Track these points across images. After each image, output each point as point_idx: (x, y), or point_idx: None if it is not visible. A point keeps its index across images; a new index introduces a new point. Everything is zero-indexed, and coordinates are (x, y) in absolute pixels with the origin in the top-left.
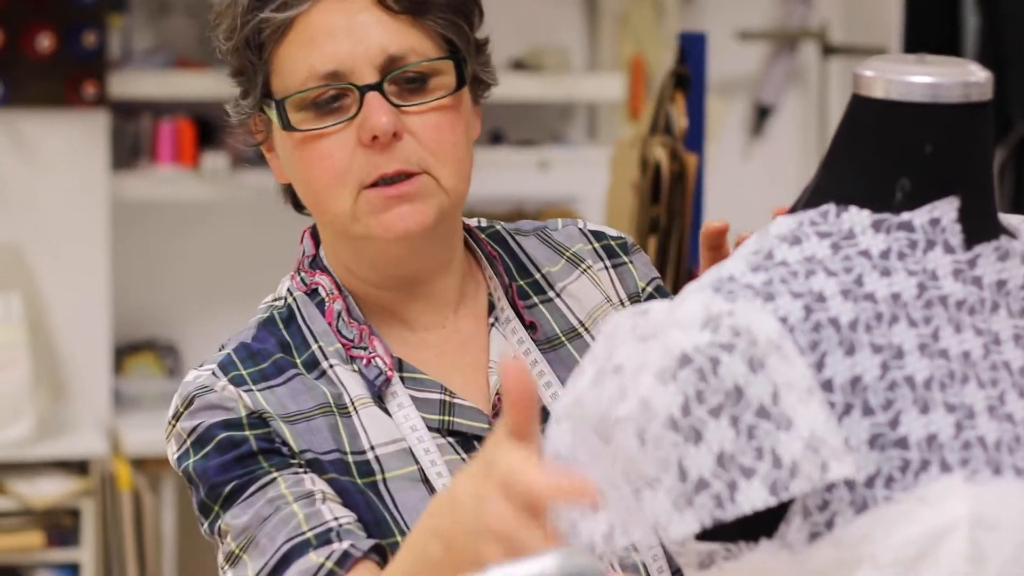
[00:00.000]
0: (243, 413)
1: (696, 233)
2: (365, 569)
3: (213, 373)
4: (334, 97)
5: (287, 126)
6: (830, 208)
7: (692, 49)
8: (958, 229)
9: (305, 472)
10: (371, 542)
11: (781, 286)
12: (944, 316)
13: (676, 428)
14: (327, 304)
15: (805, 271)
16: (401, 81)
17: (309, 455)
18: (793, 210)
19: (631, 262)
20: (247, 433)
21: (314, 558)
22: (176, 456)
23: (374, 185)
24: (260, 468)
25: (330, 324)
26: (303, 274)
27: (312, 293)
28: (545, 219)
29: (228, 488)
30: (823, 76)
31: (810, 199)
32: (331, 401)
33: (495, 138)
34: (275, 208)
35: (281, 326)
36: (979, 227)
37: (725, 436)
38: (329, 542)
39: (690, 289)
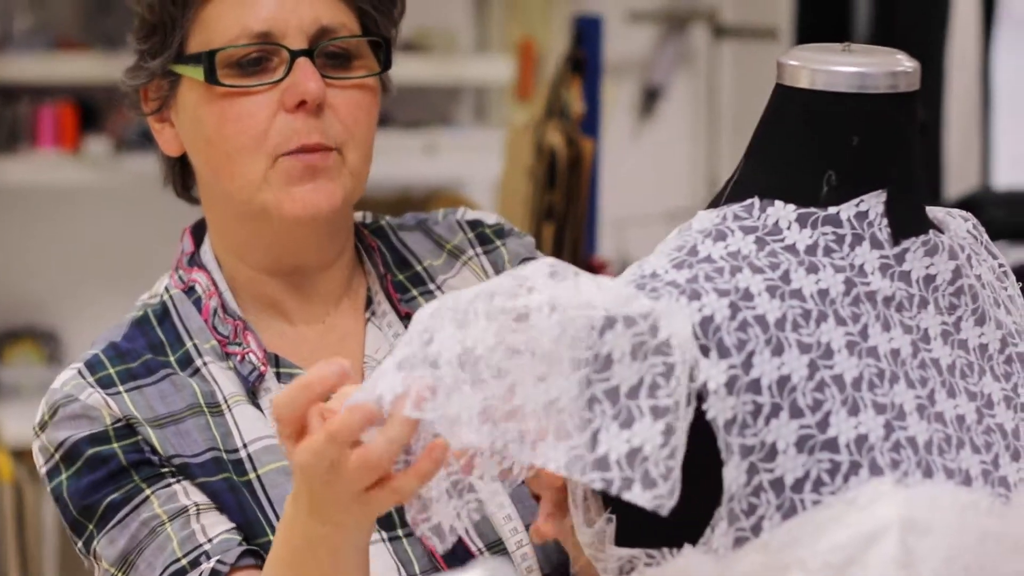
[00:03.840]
0: (108, 423)
1: (593, 219)
2: None
3: (80, 373)
4: (259, 59)
5: (212, 79)
6: (754, 202)
7: (588, 32)
8: (885, 223)
9: (178, 481)
10: (240, 550)
11: (706, 283)
12: (872, 313)
13: (540, 356)
14: (204, 301)
15: (730, 267)
16: (327, 55)
17: (178, 460)
18: (715, 204)
19: (503, 245)
20: (115, 446)
21: None
22: (45, 471)
23: (291, 153)
24: (132, 484)
25: (206, 321)
26: (181, 272)
27: (189, 291)
28: (434, 203)
29: (102, 507)
30: (713, 58)
31: (733, 192)
32: (201, 400)
33: (382, 120)
34: (158, 194)
35: (155, 324)
36: (907, 221)
37: (568, 389)
38: (198, 565)
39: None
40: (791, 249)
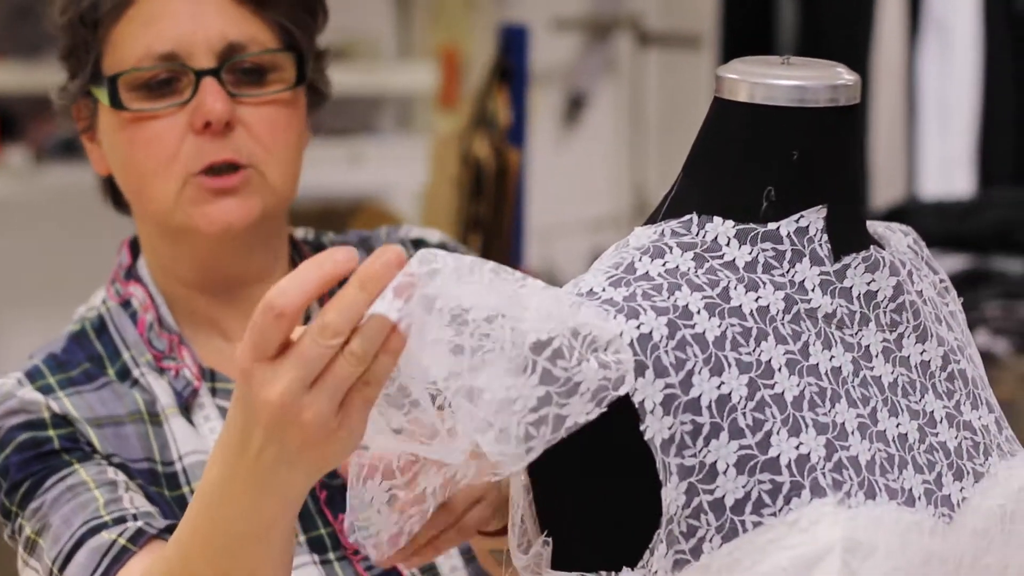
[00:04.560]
0: (46, 415)
1: (519, 229)
2: (158, 545)
3: (19, 381)
4: (167, 80)
5: (116, 104)
6: (692, 218)
7: (514, 41)
8: (826, 239)
9: (112, 468)
10: (166, 522)
11: (644, 301)
12: (813, 331)
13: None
14: (139, 315)
15: (668, 285)
16: (239, 71)
17: (118, 459)
18: (653, 219)
19: None
20: (50, 432)
21: (106, 536)
22: None
23: (201, 174)
24: (63, 462)
25: (142, 335)
26: (117, 285)
27: (125, 304)
28: (358, 214)
29: (27, 484)
30: (638, 65)
31: (670, 208)
32: (143, 408)
33: None
34: (80, 205)
35: (93, 336)
36: (847, 237)
37: (529, 399)
38: (124, 521)
39: None
40: (730, 266)
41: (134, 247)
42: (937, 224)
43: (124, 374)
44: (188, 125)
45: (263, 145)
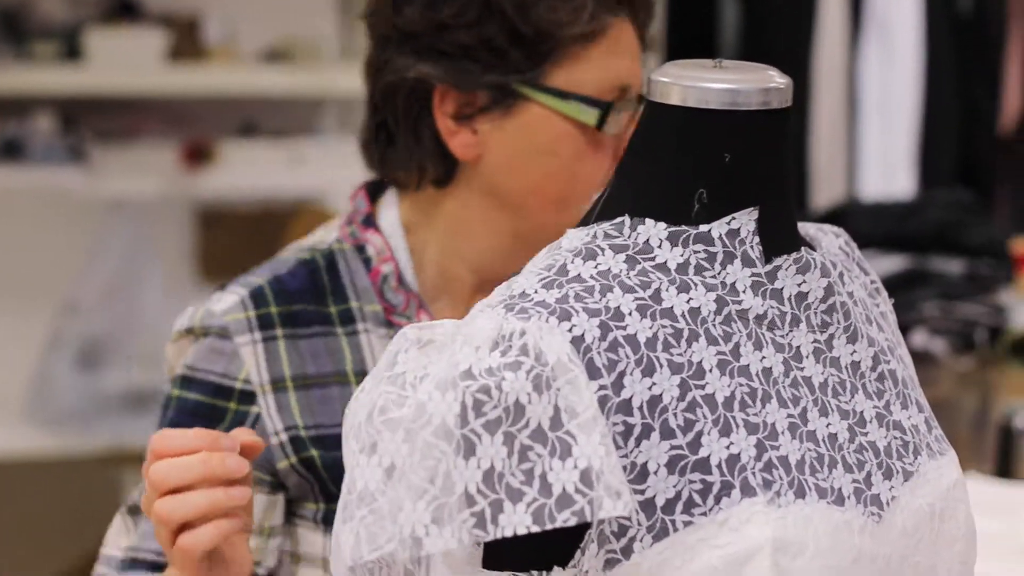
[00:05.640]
0: (238, 386)
1: None
2: None
3: (242, 302)
4: (614, 107)
5: (601, 127)
6: (625, 220)
7: None
8: (757, 241)
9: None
10: None
11: (576, 303)
12: (744, 332)
13: (448, 438)
14: (374, 264)
15: (601, 287)
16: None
17: (292, 433)
18: (585, 222)
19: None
20: (230, 405)
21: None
22: (168, 376)
23: None
24: None
25: (374, 283)
26: (354, 228)
27: (360, 248)
28: (298, 216)
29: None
30: None
31: (603, 210)
32: (350, 370)
33: (246, 130)
34: (19, 207)
35: (322, 269)
36: (778, 238)
37: (498, 453)
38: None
39: (480, 306)
40: (662, 268)
41: (372, 194)
42: (877, 225)
43: (346, 320)
44: (616, 151)
45: None
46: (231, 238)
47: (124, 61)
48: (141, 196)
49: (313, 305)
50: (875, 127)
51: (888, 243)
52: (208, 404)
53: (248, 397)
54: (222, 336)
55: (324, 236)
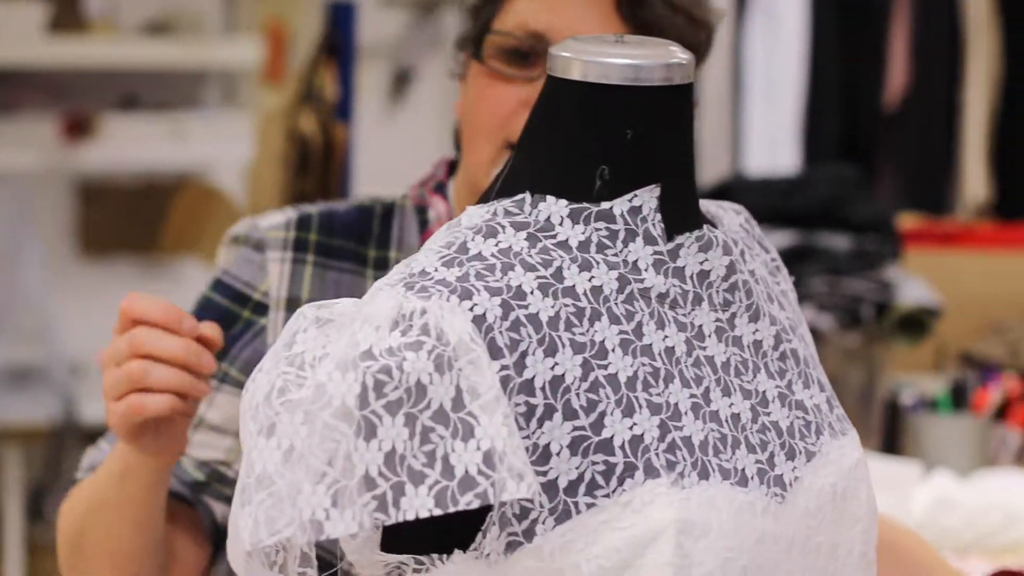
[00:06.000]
0: (256, 296)
1: None
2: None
3: (287, 222)
4: (527, 55)
5: (478, 55)
6: (526, 197)
7: (341, 16)
8: (659, 219)
9: (217, 390)
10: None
11: (477, 282)
12: (647, 311)
13: (349, 419)
14: (430, 226)
15: (502, 265)
16: None
17: None
18: (486, 198)
19: None
20: (243, 315)
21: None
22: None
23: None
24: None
25: (423, 242)
26: (423, 190)
27: (421, 209)
28: (182, 189)
29: None
30: None
31: (503, 187)
32: None
33: (128, 103)
34: None
35: (377, 216)
36: (680, 216)
37: (399, 435)
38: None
39: (379, 286)
40: (563, 245)
41: (452, 169)
42: (763, 200)
43: (381, 265)
44: (527, 100)
45: None
46: (113, 212)
47: (3, 33)
48: (21, 169)
49: (353, 244)
50: (760, 103)
51: (774, 218)
52: (225, 308)
53: (262, 309)
54: (258, 248)
55: (394, 193)
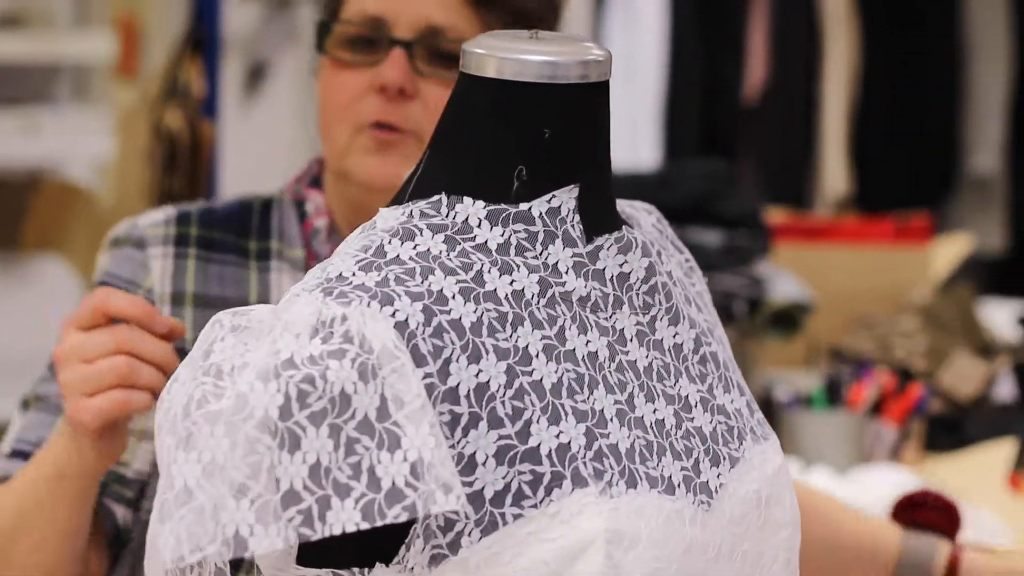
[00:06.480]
0: (140, 294)
1: None
2: None
3: (166, 218)
4: (369, 41)
5: (320, 46)
6: (441, 198)
7: (207, 11)
8: (578, 220)
9: None
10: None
11: (398, 287)
12: (569, 315)
13: (272, 431)
14: (309, 217)
15: (421, 269)
16: (435, 52)
17: (178, 344)
18: (399, 200)
19: None
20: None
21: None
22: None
23: (370, 127)
24: None
25: (303, 232)
26: (299, 186)
27: (299, 203)
28: (36, 186)
29: None
30: None
31: (417, 188)
32: (253, 300)
33: None
34: None
35: (256, 211)
36: (600, 217)
37: (323, 446)
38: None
39: (295, 291)
40: (483, 248)
41: (323, 164)
42: (631, 195)
43: (262, 256)
44: (371, 84)
45: (431, 121)
46: None
47: None
48: None
49: (233, 236)
50: (619, 96)
51: None
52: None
53: (147, 294)
54: (138, 246)
55: (269, 190)
